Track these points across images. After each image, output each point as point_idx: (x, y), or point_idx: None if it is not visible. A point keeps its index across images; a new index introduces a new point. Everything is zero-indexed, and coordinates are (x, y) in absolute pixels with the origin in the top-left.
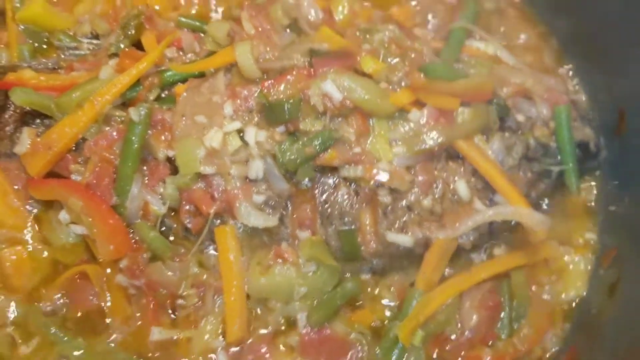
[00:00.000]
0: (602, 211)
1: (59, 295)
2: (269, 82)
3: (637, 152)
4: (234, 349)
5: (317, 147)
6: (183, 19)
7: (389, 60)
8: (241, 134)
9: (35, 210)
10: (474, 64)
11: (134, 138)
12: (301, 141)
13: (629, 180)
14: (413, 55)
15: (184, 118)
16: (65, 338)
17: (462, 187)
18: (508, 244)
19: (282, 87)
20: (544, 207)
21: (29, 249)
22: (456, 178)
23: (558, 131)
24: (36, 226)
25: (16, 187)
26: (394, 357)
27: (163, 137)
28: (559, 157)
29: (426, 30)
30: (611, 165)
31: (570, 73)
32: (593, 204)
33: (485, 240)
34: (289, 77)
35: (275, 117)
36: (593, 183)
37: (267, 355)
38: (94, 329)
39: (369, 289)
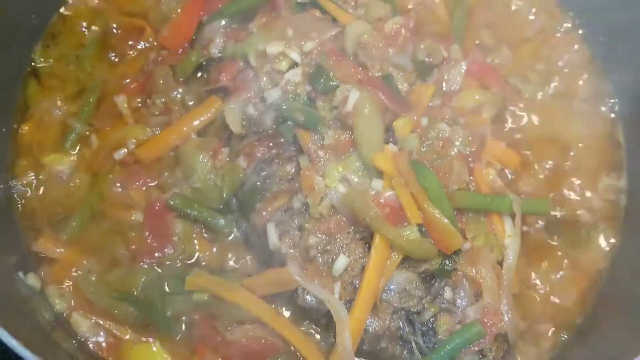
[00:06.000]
0: None
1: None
2: (339, 56)
3: None
4: (131, 162)
5: (302, 120)
6: None
7: (424, 142)
8: (293, 66)
9: None
10: (480, 231)
11: None
12: (300, 105)
13: None
14: (445, 163)
15: (289, 23)
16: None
17: (341, 263)
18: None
19: (339, 65)
20: None
21: None
22: (347, 255)
23: (451, 337)
24: None
25: None
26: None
27: (264, 19)
28: (428, 349)
29: (496, 175)
30: None
31: None
32: None
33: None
34: (352, 68)
35: (314, 77)
36: None
37: (136, 185)
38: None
39: (226, 239)
